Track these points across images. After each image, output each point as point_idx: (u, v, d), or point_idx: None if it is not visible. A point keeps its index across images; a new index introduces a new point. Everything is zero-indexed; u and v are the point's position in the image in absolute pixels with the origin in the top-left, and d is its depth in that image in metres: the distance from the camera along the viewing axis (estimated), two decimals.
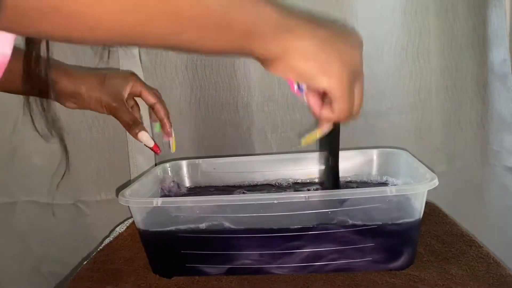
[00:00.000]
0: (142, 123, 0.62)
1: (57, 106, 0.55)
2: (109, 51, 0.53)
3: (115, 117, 0.61)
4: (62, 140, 0.51)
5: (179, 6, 0.30)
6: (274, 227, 0.51)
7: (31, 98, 0.48)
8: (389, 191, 0.48)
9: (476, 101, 0.74)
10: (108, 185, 0.82)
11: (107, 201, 0.82)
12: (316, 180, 0.67)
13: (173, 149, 0.65)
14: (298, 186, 0.67)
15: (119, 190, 0.56)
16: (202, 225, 0.51)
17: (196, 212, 0.53)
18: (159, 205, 0.51)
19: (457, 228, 0.61)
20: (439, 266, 0.51)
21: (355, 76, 0.40)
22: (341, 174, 0.67)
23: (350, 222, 0.49)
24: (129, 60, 0.75)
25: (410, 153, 0.63)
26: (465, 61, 0.73)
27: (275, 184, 0.68)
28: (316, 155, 0.68)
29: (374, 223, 0.49)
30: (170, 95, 0.76)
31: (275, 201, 0.49)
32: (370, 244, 0.50)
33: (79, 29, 0.29)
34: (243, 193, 0.64)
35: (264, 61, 0.38)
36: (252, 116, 0.76)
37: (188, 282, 0.52)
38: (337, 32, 0.39)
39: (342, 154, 0.68)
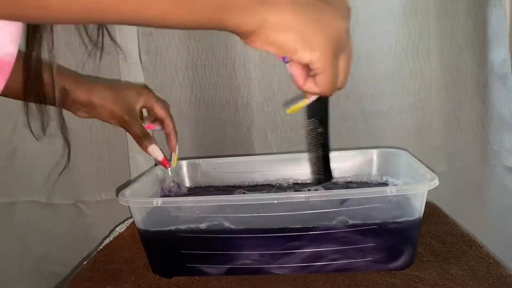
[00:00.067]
0: (152, 136, 0.62)
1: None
2: (101, 51, 0.52)
3: (126, 129, 0.61)
4: (65, 137, 0.50)
5: None
6: (274, 227, 0.51)
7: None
8: (389, 191, 0.48)
9: (476, 101, 0.74)
10: (108, 185, 0.82)
11: (107, 201, 0.82)
12: None
13: (174, 163, 0.66)
14: (298, 186, 0.67)
15: (119, 190, 0.56)
16: (202, 225, 0.51)
17: (196, 212, 0.53)
18: (159, 205, 0.51)
19: (457, 228, 0.61)
20: (439, 266, 0.51)
21: (339, 48, 0.37)
22: (341, 174, 0.68)
23: (350, 222, 0.49)
24: (129, 60, 0.75)
25: (410, 153, 0.63)
26: (465, 61, 0.73)
27: (275, 184, 0.68)
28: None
29: (374, 223, 0.49)
30: (170, 95, 0.76)
31: (275, 201, 0.49)
32: (370, 244, 0.50)
33: (31, 7, 0.28)
34: (243, 193, 0.64)
35: (240, 35, 0.36)
36: (252, 116, 0.76)
37: (188, 282, 0.52)
38: (320, 0, 0.36)
39: (342, 154, 0.69)
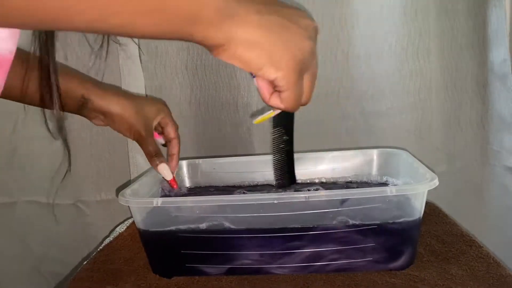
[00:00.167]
0: (163, 155, 0.62)
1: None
2: (107, 51, 0.52)
3: (139, 144, 0.60)
4: (65, 141, 0.50)
5: None
6: (274, 227, 0.51)
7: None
8: (389, 191, 0.48)
9: (476, 101, 0.74)
10: (108, 185, 0.82)
11: (107, 201, 0.82)
12: (316, 181, 0.68)
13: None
14: (298, 186, 0.66)
15: (119, 190, 0.56)
16: (202, 225, 0.51)
17: (196, 212, 0.53)
18: (159, 205, 0.51)
19: (457, 228, 0.61)
20: (439, 266, 0.51)
21: (304, 67, 0.38)
22: (341, 174, 0.68)
23: (350, 222, 0.49)
24: (129, 60, 0.75)
25: (410, 153, 0.63)
26: (465, 61, 0.73)
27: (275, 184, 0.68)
28: (316, 155, 0.68)
29: (374, 223, 0.49)
30: (170, 95, 0.76)
31: (275, 201, 0.49)
32: (370, 244, 0.50)
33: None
34: (243, 193, 0.64)
35: (207, 47, 0.35)
36: None
37: (188, 282, 0.52)
38: (288, 18, 0.36)
39: (342, 154, 0.69)
